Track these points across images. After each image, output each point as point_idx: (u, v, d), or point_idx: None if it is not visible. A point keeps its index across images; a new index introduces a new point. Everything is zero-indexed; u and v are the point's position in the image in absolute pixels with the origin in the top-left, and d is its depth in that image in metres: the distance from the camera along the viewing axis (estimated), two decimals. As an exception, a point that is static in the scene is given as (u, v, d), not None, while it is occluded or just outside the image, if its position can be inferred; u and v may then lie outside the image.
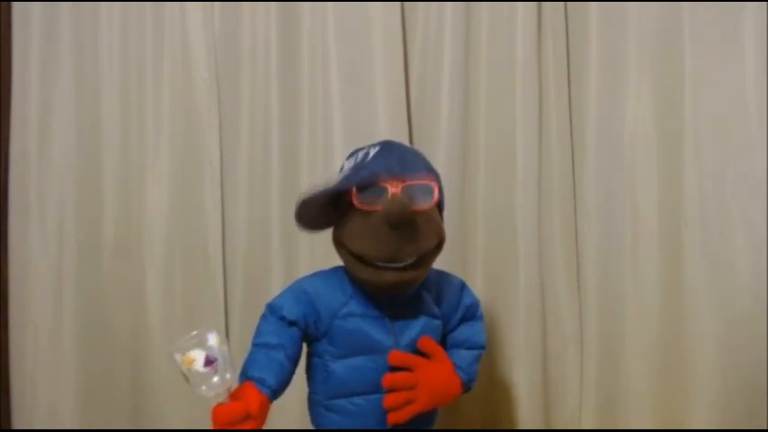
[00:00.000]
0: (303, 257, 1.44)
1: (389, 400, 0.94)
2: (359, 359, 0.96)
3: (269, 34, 1.48)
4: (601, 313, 1.44)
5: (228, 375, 0.80)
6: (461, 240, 1.48)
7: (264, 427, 0.84)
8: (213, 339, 0.81)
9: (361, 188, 0.91)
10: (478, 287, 1.46)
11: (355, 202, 0.91)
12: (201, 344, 0.80)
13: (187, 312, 1.48)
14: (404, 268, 0.92)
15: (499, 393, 1.46)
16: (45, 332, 1.47)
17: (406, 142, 1.47)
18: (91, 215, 1.49)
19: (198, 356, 0.79)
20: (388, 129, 1.44)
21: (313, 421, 1.02)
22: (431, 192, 0.94)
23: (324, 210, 0.96)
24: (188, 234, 1.48)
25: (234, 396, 0.82)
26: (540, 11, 1.46)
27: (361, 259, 0.92)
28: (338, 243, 0.97)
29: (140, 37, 1.49)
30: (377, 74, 1.45)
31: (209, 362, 0.79)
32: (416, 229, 0.90)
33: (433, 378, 0.97)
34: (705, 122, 1.36)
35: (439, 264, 1.43)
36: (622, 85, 1.42)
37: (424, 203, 0.92)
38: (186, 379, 0.80)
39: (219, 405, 0.80)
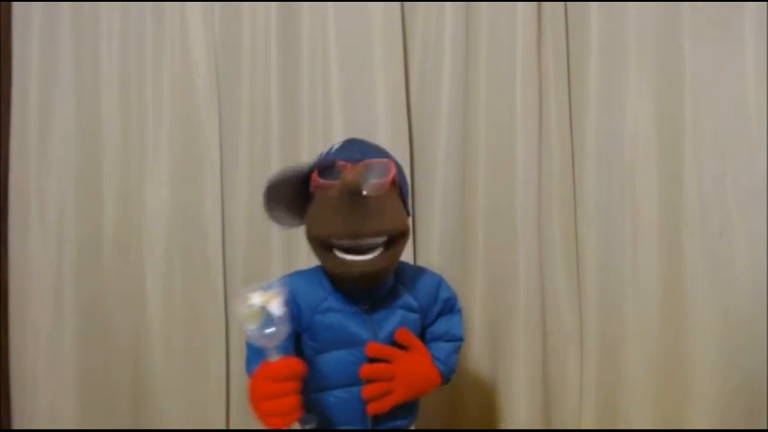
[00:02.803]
0: (303, 257, 1.43)
1: (368, 390, 0.96)
2: (339, 353, 0.98)
3: (269, 34, 1.48)
4: (601, 313, 1.44)
5: (284, 329, 0.84)
6: (461, 240, 1.48)
7: (247, 426, 0.85)
8: (283, 294, 0.85)
9: (322, 171, 0.95)
10: (478, 287, 1.46)
11: (315, 181, 0.94)
12: (277, 291, 0.85)
13: (187, 312, 1.48)
14: (371, 260, 0.93)
15: (499, 393, 1.46)
16: (45, 332, 1.47)
17: (405, 142, 1.47)
18: (91, 215, 1.49)
19: (278, 295, 0.84)
20: (389, 129, 1.45)
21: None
22: (387, 170, 0.96)
23: (293, 205, 0.99)
24: (188, 234, 1.48)
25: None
26: (540, 11, 1.46)
27: (326, 245, 0.94)
28: (307, 235, 0.99)
29: (140, 37, 1.49)
30: (377, 74, 1.45)
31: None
32: (373, 206, 0.92)
33: (411, 369, 0.99)
34: (705, 122, 1.36)
35: (439, 263, 1.45)
36: (622, 85, 1.42)
37: (380, 180, 0.94)
38: (251, 317, 0.83)
39: (268, 363, 0.84)
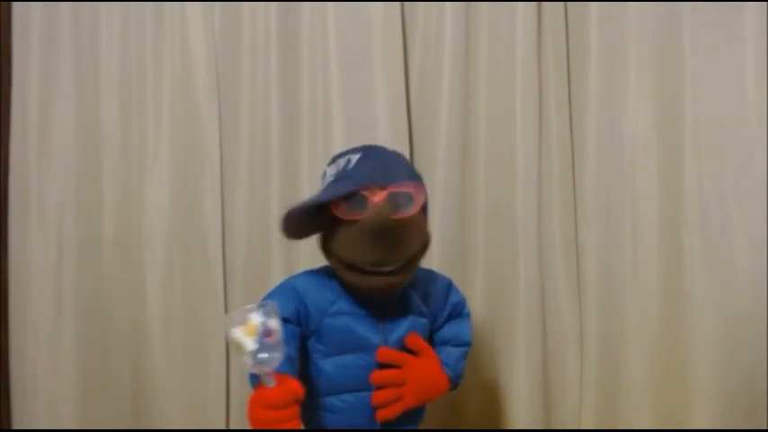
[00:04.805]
0: (303, 257, 1.43)
1: (378, 397, 0.95)
2: (348, 357, 0.97)
3: (269, 34, 1.48)
4: (601, 313, 1.44)
5: (277, 355, 0.79)
6: (461, 240, 1.48)
7: (247, 426, 0.83)
8: (273, 315, 0.81)
9: (344, 198, 0.92)
10: (478, 287, 1.46)
11: (339, 213, 0.92)
12: (264, 314, 0.80)
13: (187, 312, 1.48)
14: (392, 272, 0.93)
15: (499, 393, 1.46)
16: (45, 332, 1.47)
17: (405, 142, 1.47)
18: (91, 215, 1.49)
19: (258, 323, 0.78)
20: (389, 129, 1.44)
21: (303, 418, 1.02)
22: (412, 199, 0.93)
23: (308, 219, 0.96)
24: (188, 234, 1.48)
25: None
26: (540, 11, 1.46)
27: (349, 265, 0.93)
28: (326, 251, 0.98)
29: (140, 37, 1.49)
30: (377, 74, 1.45)
31: (268, 333, 0.79)
32: (400, 236, 0.91)
33: (421, 375, 0.98)
34: (705, 122, 1.36)
35: (439, 263, 1.45)
36: (622, 85, 1.42)
37: (406, 211, 0.92)
38: (237, 347, 0.79)
39: (264, 389, 0.80)
